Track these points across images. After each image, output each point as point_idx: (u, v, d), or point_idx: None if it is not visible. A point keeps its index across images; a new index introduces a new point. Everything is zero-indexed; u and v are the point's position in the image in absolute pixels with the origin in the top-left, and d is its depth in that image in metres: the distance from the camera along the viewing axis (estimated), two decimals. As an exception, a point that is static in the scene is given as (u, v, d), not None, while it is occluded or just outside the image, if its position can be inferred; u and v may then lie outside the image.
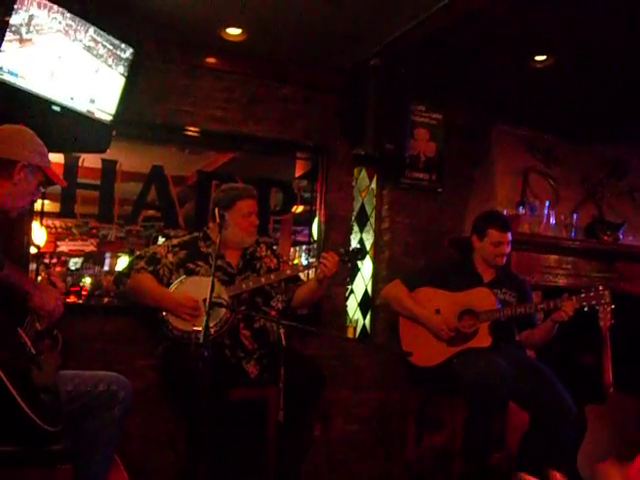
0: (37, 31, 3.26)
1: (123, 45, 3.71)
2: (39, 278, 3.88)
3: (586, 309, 3.81)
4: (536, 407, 3.81)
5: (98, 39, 3.58)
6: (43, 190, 2.85)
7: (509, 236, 4.10)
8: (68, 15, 3.39)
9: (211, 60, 4.48)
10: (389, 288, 4.27)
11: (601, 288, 3.82)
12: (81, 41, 3.50)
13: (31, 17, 3.21)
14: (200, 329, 2.87)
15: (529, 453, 3.82)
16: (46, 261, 4.28)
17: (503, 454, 4.02)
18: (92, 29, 3.53)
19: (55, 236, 4.39)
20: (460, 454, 3.92)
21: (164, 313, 3.58)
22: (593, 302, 3.79)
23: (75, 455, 2.65)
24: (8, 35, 3.14)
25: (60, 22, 3.37)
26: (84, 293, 4.63)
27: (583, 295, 3.82)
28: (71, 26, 3.42)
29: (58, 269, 4.39)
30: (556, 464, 3.67)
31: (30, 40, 3.24)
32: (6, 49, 3.15)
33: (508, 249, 4.11)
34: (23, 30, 3.20)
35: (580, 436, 3.58)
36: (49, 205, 4.20)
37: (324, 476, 4.57)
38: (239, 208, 3.76)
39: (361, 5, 3.76)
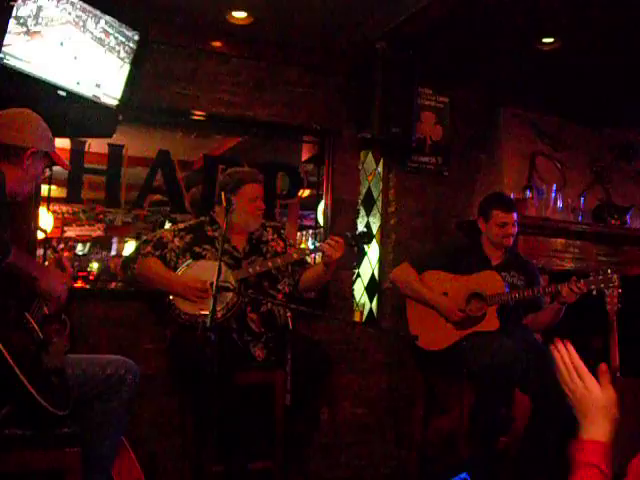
0: (45, 24, 3.20)
1: (129, 29, 3.69)
2: (46, 263, 3.89)
3: (594, 292, 3.80)
4: (534, 388, 3.80)
5: (105, 26, 3.55)
6: (49, 172, 2.86)
7: (514, 216, 4.08)
8: (78, 5, 3.35)
9: (217, 44, 4.46)
10: (397, 271, 4.27)
11: (610, 272, 3.81)
12: (89, 29, 3.46)
13: (39, 8, 3.16)
14: (207, 313, 2.88)
15: (533, 436, 3.82)
16: (54, 245, 4.29)
17: (510, 437, 4.03)
18: (99, 17, 3.50)
19: (62, 221, 4.40)
20: (467, 437, 3.93)
21: (171, 297, 3.58)
22: (601, 285, 3.78)
23: (83, 438, 2.66)
24: (15, 27, 3.07)
25: (70, 13, 3.33)
26: (91, 278, 4.65)
27: (592, 278, 3.80)
28: (80, 17, 3.39)
29: (66, 254, 4.40)
30: (559, 447, 3.68)
31: (38, 32, 3.18)
32: (12, 42, 3.08)
33: (514, 230, 4.10)
34: (30, 22, 3.13)
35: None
36: (56, 190, 4.20)
37: (331, 459, 4.58)
38: (245, 192, 3.75)
39: (367, -12, 3.74)
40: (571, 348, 1.74)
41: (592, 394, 1.65)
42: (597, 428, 1.62)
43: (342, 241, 3.69)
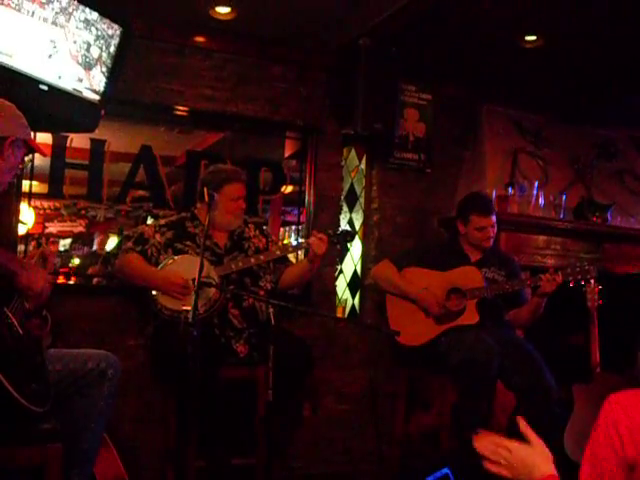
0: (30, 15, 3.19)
1: (112, 23, 3.67)
2: (27, 259, 3.86)
3: (572, 284, 3.83)
4: (519, 386, 3.83)
5: (88, 20, 3.53)
6: (30, 161, 2.84)
7: (493, 219, 4.08)
8: None
9: (200, 39, 4.44)
10: (378, 268, 4.29)
11: (586, 264, 3.87)
12: (72, 23, 3.44)
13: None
14: (189, 308, 2.87)
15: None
16: (42, 241, 4.27)
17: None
18: (82, 11, 3.48)
19: (44, 217, 4.37)
20: (449, 433, 3.95)
21: (153, 292, 3.57)
22: (579, 277, 3.82)
23: (65, 434, 2.65)
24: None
25: (52, 7, 3.30)
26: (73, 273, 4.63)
27: (569, 270, 3.85)
28: (64, 10, 3.37)
29: (53, 248, 4.37)
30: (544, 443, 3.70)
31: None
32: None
33: (494, 231, 4.11)
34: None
35: (566, 415, 3.61)
36: (37, 186, 4.17)
37: (313, 455, 4.59)
38: (227, 192, 3.74)
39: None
40: (485, 436, 1.74)
41: (523, 453, 1.70)
42: (544, 470, 1.65)
43: (325, 237, 3.70)
